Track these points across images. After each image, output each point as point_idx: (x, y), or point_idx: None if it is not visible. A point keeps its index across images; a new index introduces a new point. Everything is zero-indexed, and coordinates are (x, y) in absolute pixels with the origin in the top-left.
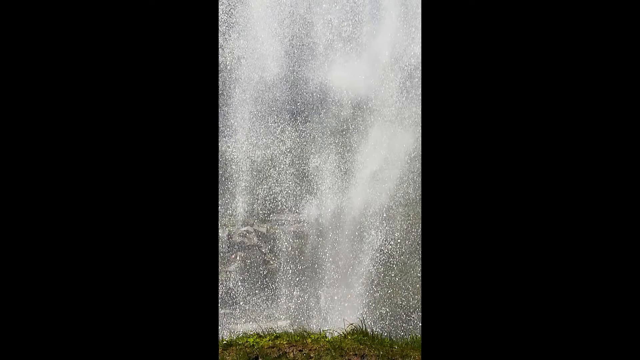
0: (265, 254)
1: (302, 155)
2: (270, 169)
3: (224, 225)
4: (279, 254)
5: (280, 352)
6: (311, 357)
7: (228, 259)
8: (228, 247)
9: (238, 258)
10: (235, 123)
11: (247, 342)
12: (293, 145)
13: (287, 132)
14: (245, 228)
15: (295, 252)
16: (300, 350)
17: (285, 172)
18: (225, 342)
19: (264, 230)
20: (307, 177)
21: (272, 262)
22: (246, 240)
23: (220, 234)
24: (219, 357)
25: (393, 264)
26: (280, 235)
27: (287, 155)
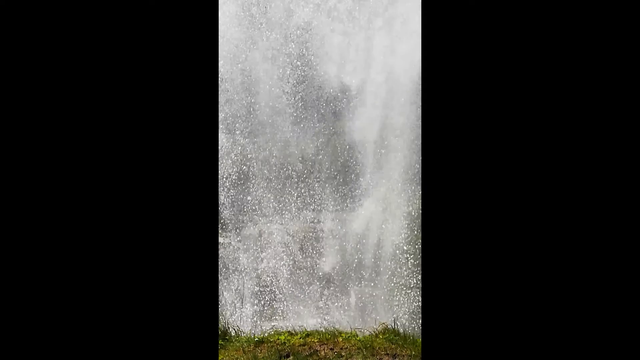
0: (294, 252)
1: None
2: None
3: (255, 222)
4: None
5: (312, 350)
6: (342, 356)
7: (258, 257)
8: (259, 245)
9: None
10: None
11: (278, 339)
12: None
13: None
14: (275, 226)
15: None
16: (331, 349)
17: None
18: (257, 339)
19: (295, 227)
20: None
21: (301, 261)
22: (276, 238)
23: (252, 232)
24: (252, 354)
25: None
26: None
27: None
